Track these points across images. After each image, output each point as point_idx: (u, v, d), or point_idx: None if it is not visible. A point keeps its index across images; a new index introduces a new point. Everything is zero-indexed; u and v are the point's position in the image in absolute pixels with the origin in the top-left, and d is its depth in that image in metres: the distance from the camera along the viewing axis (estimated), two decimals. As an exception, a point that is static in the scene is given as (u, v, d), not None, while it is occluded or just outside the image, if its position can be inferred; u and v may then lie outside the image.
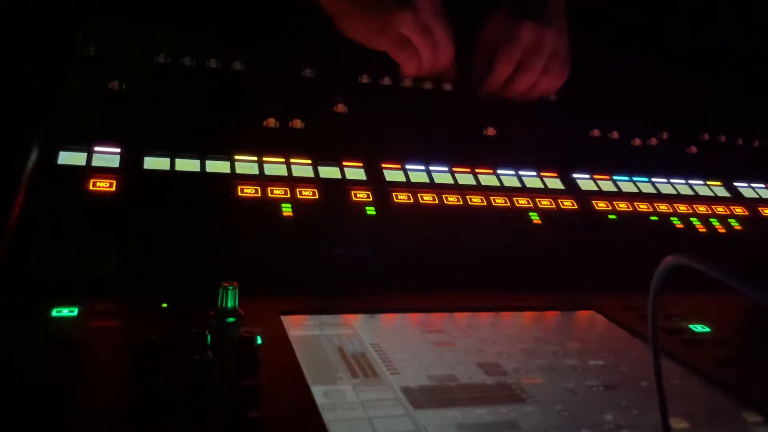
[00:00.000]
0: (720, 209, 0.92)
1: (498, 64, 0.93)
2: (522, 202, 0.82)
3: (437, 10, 0.90)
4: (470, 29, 0.99)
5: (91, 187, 0.67)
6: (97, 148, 0.72)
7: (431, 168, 0.83)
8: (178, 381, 0.45)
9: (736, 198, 0.96)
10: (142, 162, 0.72)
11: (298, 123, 0.83)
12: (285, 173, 0.76)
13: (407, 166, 0.82)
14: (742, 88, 1.14)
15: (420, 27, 0.88)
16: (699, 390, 0.55)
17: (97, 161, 0.70)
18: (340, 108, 0.87)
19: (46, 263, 0.60)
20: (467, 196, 0.80)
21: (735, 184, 0.99)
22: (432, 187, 0.80)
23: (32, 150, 0.69)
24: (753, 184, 1.00)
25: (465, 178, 0.83)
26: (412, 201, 0.77)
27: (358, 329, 0.59)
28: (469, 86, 0.97)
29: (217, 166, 0.74)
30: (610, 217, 0.85)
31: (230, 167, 0.74)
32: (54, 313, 0.54)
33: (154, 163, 0.72)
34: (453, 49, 0.92)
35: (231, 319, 0.54)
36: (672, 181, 0.95)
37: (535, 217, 0.81)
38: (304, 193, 0.74)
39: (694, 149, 1.03)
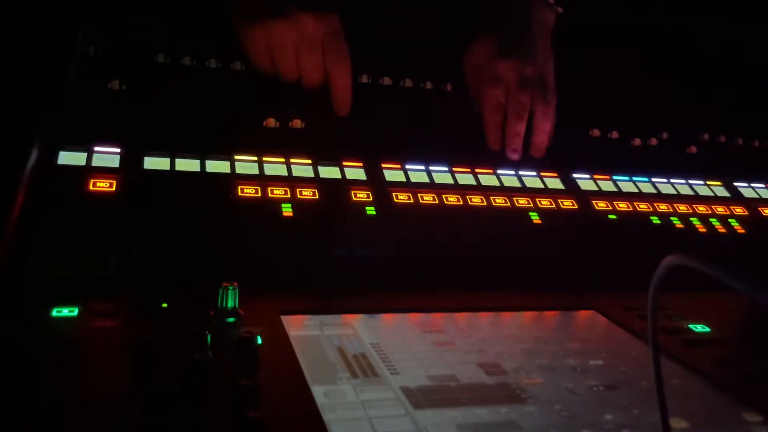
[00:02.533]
0: (720, 209, 0.92)
1: (486, 117, 0.88)
2: (522, 202, 0.82)
3: (331, 28, 0.82)
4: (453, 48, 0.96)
5: (91, 187, 0.67)
6: (97, 148, 0.72)
7: (431, 168, 0.83)
8: (178, 381, 0.45)
9: (736, 198, 0.96)
10: (142, 162, 0.72)
11: (298, 123, 0.83)
12: (285, 173, 0.76)
13: (407, 166, 0.82)
14: (741, 88, 1.14)
15: (299, 43, 0.81)
16: (699, 390, 0.56)
17: (97, 161, 0.70)
18: (340, 108, 0.87)
19: (46, 263, 0.60)
20: (467, 196, 0.80)
21: (735, 184, 0.99)
22: (432, 187, 0.80)
23: (32, 150, 0.69)
24: (753, 184, 1.00)
25: (465, 178, 0.83)
26: (412, 201, 0.77)
27: (358, 329, 0.59)
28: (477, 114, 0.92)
29: (217, 166, 0.74)
30: (610, 217, 0.85)
31: (230, 167, 0.74)
32: (54, 313, 0.54)
33: (154, 163, 0.72)
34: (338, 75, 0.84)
35: (231, 319, 0.54)
36: (672, 181, 0.95)
37: (535, 217, 0.81)
38: (304, 193, 0.74)
39: (694, 149, 1.03)
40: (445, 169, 0.83)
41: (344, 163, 0.80)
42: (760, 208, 0.95)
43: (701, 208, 0.91)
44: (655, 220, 0.87)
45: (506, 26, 0.92)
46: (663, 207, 0.89)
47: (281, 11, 0.81)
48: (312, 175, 0.77)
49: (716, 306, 0.69)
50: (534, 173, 0.87)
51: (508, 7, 0.95)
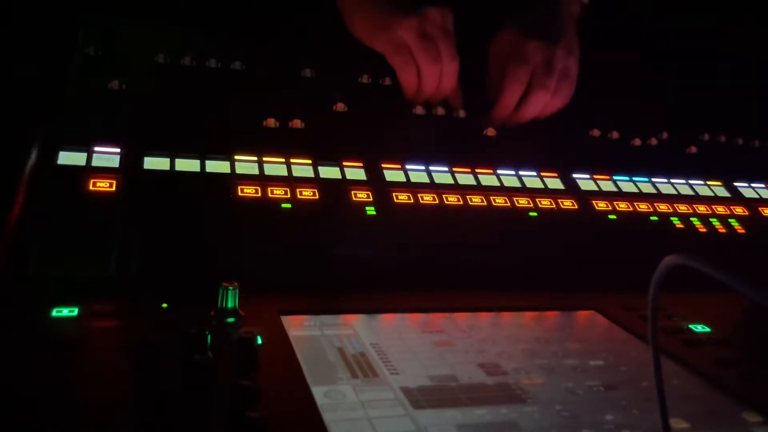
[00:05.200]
0: (720, 209, 0.92)
1: (507, 85, 0.89)
2: (522, 202, 0.82)
3: (446, 26, 0.86)
4: (477, 45, 0.96)
5: (91, 187, 0.67)
6: (97, 148, 0.72)
7: (431, 168, 0.83)
8: (178, 381, 0.45)
9: (736, 198, 0.96)
10: (142, 162, 0.72)
11: (298, 123, 0.83)
12: (285, 173, 0.76)
13: (407, 166, 0.82)
14: (741, 88, 1.14)
15: (422, 35, 0.84)
16: (699, 390, 0.56)
17: (97, 161, 0.70)
18: (340, 107, 0.87)
19: (46, 263, 0.60)
20: (467, 196, 0.80)
21: (735, 184, 0.99)
22: (432, 187, 0.80)
23: (32, 150, 0.69)
24: (753, 184, 1.00)
25: (465, 178, 0.83)
26: (412, 201, 0.77)
27: (358, 329, 0.59)
28: (484, 106, 0.92)
29: (217, 166, 0.74)
30: (610, 217, 0.85)
31: (230, 167, 0.74)
32: (54, 313, 0.54)
33: (154, 163, 0.72)
34: (456, 68, 0.87)
35: (231, 319, 0.54)
36: (672, 181, 0.95)
37: (535, 217, 0.81)
38: (304, 193, 0.74)
39: (694, 149, 1.03)
40: (445, 169, 0.83)
41: (344, 163, 0.80)
42: (760, 208, 0.95)
43: (701, 208, 0.91)
44: (655, 220, 0.87)
45: (536, 14, 0.93)
46: (663, 207, 0.89)
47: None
48: (312, 175, 0.77)
49: (716, 306, 0.69)
50: (534, 173, 0.87)
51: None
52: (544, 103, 0.89)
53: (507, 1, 0.96)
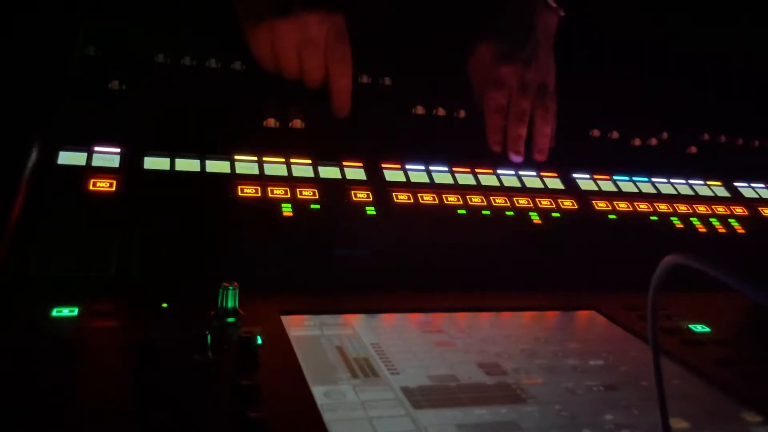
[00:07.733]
0: (720, 209, 0.92)
1: (488, 115, 0.88)
2: (522, 202, 0.82)
3: (335, 28, 0.82)
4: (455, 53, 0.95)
5: (91, 187, 0.67)
6: (97, 148, 0.72)
7: (431, 168, 0.83)
8: (178, 381, 0.45)
9: (736, 198, 0.96)
10: (142, 162, 0.72)
11: (298, 123, 0.83)
12: (285, 173, 0.76)
13: (407, 166, 0.82)
14: (742, 88, 1.14)
15: (303, 43, 0.81)
16: (699, 390, 0.56)
17: (97, 161, 0.70)
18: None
19: (46, 263, 0.60)
20: (467, 196, 0.80)
21: (735, 184, 0.99)
22: (432, 187, 0.80)
23: (32, 150, 0.69)
24: (753, 184, 1.00)
25: (465, 178, 0.83)
26: (412, 201, 0.77)
27: (358, 329, 0.59)
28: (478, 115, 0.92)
29: (217, 166, 0.74)
30: (610, 217, 0.85)
31: (230, 167, 0.74)
32: (54, 313, 0.54)
33: (154, 163, 0.72)
34: (346, 71, 0.83)
35: (231, 319, 0.54)
36: (672, 181, 0.95)
37: (535, 217, 0.81)
38: (304, 193, 0.74)
39: (694, 149, 1.03)
40: (445, 169, 0.83)
41: (344, 163, 0.80)
42: (760, 208, 0.95)
43: (701, 208, 0.91)
44: (655, 220, 0.87)
45: (510, 30, 0.92)
46: (663, 207, 0.89)
47: (286, 10, 0.81)
48: (312, 175, 0.77)
49: (716, 306, 0.69)
50: (534, 173, 0.87)
51: (512, 10, 0.95)
52: (523, 132, 0.87)
53: (483, 12, 0.96)
